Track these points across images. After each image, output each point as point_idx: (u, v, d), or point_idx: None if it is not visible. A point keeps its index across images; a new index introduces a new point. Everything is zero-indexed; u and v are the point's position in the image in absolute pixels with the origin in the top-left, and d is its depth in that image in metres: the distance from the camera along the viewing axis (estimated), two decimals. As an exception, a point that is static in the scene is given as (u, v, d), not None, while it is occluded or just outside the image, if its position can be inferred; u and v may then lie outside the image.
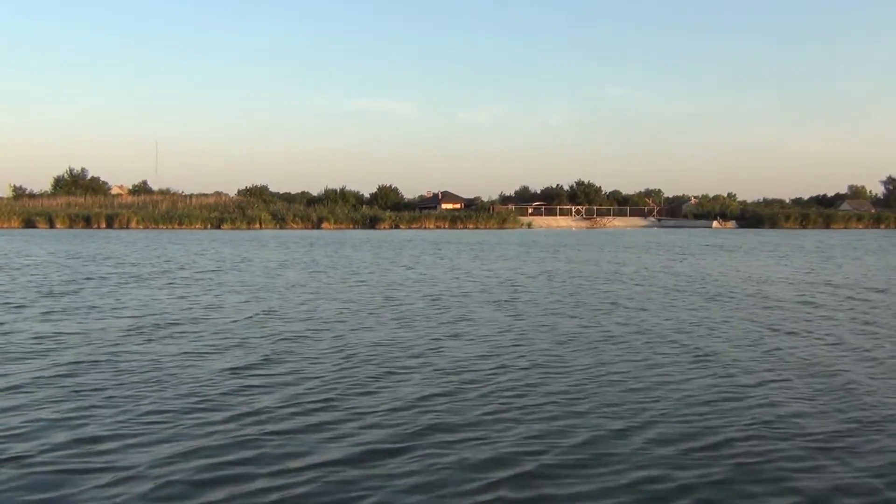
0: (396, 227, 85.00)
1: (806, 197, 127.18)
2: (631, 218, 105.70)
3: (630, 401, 7.36)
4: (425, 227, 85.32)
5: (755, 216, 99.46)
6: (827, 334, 11.57)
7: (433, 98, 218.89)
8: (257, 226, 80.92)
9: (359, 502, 4.72)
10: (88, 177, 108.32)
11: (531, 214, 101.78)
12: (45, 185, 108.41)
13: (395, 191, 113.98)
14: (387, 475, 5.18)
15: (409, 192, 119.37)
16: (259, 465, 5.41)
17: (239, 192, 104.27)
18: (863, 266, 27.50)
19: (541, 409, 6.99)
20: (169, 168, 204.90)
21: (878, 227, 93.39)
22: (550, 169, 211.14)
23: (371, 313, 13.85)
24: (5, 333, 11.16)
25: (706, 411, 7.05)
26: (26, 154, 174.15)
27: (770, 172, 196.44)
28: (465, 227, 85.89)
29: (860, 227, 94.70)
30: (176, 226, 78.94)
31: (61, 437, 6.04)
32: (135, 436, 6.07)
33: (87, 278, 20.58)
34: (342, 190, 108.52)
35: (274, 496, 4.82)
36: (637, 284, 20.15)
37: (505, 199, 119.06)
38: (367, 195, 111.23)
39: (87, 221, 78.75)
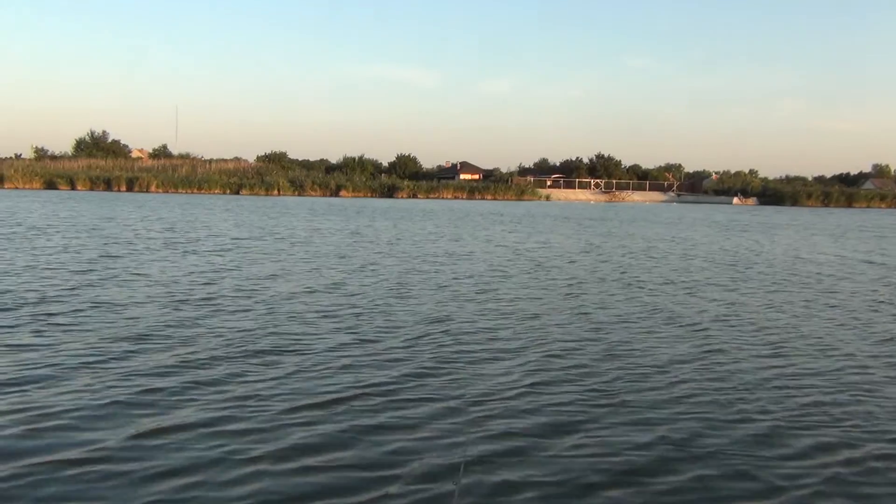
0: (414, 196, 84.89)
1: (829, 175, 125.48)
2: (650, 193, 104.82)
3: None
4: (443, 198, 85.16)
5: (776, 193, 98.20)
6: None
7: (454, 68, 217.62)
8: (276, 192, 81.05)
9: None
10: (109, 140, 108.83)
11: (550, 187, 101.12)
12: (67, 147, 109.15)
13: (413, 160, 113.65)
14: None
15: (428, 162, 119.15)
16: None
17: (258, 158, 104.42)
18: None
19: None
20: (189, 133, 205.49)
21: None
22: (570, 141, 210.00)
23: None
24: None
25: None
26: (48, 116, 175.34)
27: (793, 149, 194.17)
28: (483, 198, 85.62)
29: (883, 206, 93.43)
30: (195, 190, 79.25)
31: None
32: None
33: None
34: (361, 158, 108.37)
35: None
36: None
37: (524, 171, 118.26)
38: (385, 164, 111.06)
39: (108, 184, 79.17)
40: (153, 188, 78.57)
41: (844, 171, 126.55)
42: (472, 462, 5.02)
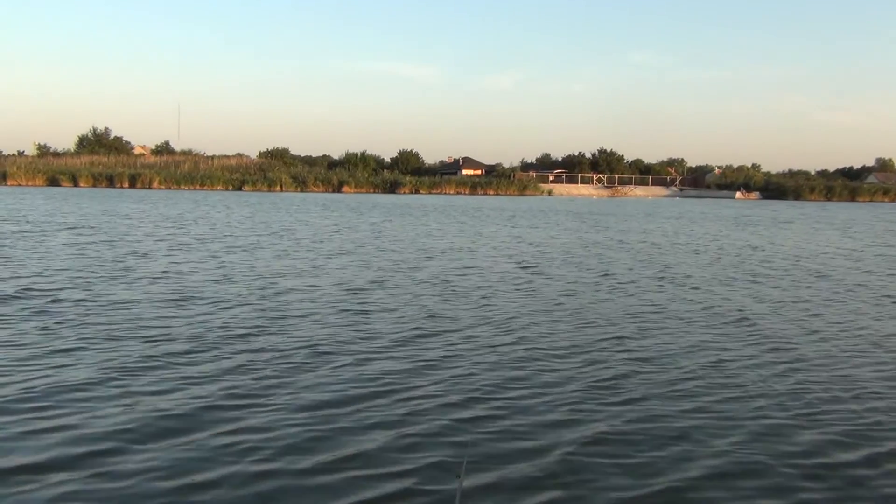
0: (417, 192, 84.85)
1: (832, 169, 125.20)
2: (653, 187, 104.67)
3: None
4: (445, 193, 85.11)
5: (779, 188, 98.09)
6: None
7: (456, 63, 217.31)
8: (278, 188, 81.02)
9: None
10: (112, 136, 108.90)
11: (552, 182, 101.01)
12: (69, 143, 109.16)
13: (415, 156, 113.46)
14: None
15: (430, 158, 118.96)
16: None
17: (260, 154, 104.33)
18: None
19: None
20: (191, 129, 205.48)
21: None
22: (572, 136, 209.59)
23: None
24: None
25: None
26: (51, 113, 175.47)
27: (796, 143, 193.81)
28: (486, 194, 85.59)
29: (886, 200, 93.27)
30: (198, 186, 79.27)
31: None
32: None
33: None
34: (363, 154, 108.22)
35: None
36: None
37: (526, 166, 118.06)
38: (387, 160, 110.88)
39: (111, 181, 79.23)
40: (155, 185, 78.61)
41: (847, 165, 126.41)
42: (473, 459, 5.03)
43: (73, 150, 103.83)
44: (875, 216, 50.57)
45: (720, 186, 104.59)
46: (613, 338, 9.07)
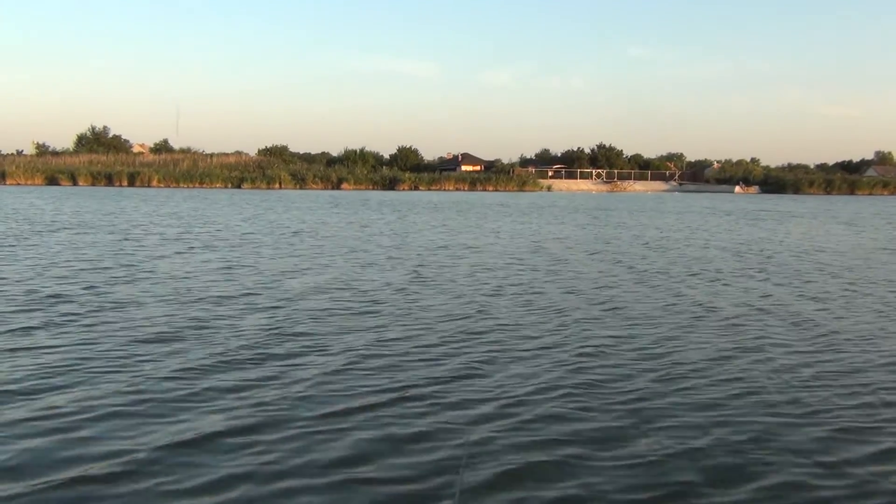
0: (416, 188, 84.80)
1: (831, 163, 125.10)
2: (652, 182, 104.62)
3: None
4: (445, 189, 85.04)
5: (778, 182, 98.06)
6: None
7: (454, 59, 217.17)
8: (277, 185, 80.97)
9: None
10: (110, 135, 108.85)
11: (551, 177, 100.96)
12: (68, 142, 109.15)
13: (414, 152, 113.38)
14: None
15: (429, 154, 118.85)
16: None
17: (259, 151, 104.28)
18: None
19: None
20: (190, 127, 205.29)
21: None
22: (571, 131, 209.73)
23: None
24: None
25: None
26: (49, 112, 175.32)
27: (795, 137, 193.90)
28: (485, 190, 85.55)
29: (885, 193, 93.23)
30: (197, 184, 79.22)
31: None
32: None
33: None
34: (362, 151, 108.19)
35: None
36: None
37: (525, 162, 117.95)
38: (386, 156, 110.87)
39: (109, 179, 79.19)
40: (154, 183, 78.56)
41: (847, 159, 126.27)
42: (473, 457, 5.05)
43: (71, 149, 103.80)
44: (882, 209, 50.48)
45: (719, 181, 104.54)
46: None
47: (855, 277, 14.61)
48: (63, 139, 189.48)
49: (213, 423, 5.60)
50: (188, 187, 76.45)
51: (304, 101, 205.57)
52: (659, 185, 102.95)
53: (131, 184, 78.21)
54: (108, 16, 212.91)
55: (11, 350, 7.62)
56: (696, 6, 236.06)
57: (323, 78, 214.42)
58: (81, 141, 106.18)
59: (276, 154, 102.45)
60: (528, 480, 4.74)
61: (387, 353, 7.87)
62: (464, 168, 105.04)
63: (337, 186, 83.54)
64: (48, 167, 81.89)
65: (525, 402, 6.27)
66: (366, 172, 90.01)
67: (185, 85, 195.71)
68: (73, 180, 78.17)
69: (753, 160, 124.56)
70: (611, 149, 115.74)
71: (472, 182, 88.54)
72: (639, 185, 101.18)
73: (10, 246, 17.85)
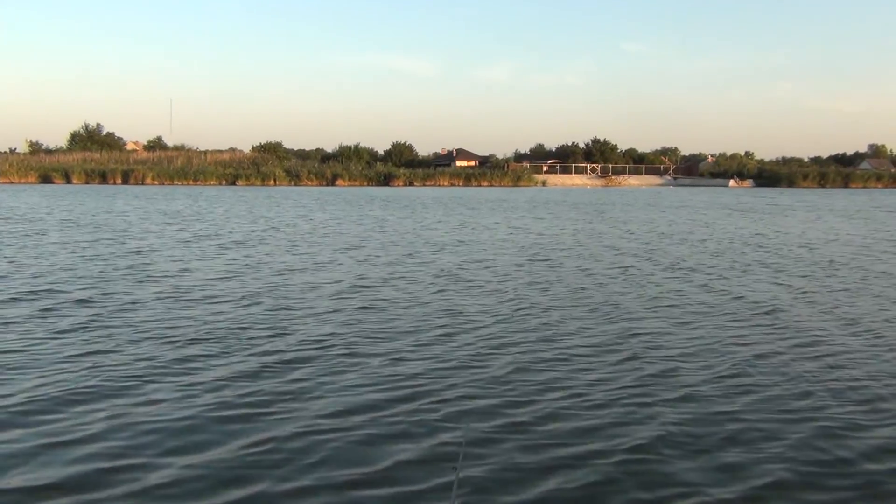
0: (410, 184, 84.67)
1: (825, 156, 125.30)
2: (646, 176, 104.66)
3: None
4: (439, 185, 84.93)
5: (773, 175, 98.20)
6: None
7: (449, 54, 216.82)
8: (272, 182, 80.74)
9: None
10: (104, 132, 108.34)
11: (546, 172, 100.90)
12: (61, 140, 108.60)
13: (409, 148, 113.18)
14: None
15: (424, 150, 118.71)
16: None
17: (253, 148, 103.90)
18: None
19: None
20: (183, 124, 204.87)
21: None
22: (566, 126, 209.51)
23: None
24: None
25: None
26: (43, 110, 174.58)
27: (789, 130, 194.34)
28: (480, 185, 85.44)
29: (879, 186, 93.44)
30: (191, 182, 78.95)
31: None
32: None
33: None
34: (356, 147, 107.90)
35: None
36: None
37: (520, 157, 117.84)
38: (381, 152, 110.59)
39: (103, 177, 78.82)
40: (149, 180, 78.25)
41: (841, 152, 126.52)
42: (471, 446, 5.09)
43: (65, 147, 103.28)
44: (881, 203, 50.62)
45: (714, 175, 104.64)
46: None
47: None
48: (56, 137, 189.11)
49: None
50: (182, 184, 76.19)
51: (299, 98, 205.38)
52: (653, 180, 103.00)
53: (125, 181, 77.87)
54: (101, 13, 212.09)
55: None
56: (689, 1, 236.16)
57: (317, 74, 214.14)
58: (75, 139, 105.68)
59: (271, 151, 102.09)
60: (525, 474, 4.78)
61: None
62: (458, 164, 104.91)
63: (331, 183, 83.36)
64: (42, 165, 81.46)
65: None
66: (360, 168, 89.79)
67: (178, 82, 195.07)
68: (67, 178, 77.78)
69: (748, 154, 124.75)
70: (605, 143, 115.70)
71: (467, 177, 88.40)
72: (633, 180, 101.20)
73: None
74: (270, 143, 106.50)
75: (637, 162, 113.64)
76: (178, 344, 7.90)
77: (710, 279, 13.27)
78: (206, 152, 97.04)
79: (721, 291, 11.85)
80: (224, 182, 79.68)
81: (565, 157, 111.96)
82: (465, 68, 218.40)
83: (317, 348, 7.81)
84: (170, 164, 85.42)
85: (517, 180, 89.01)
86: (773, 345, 8.21)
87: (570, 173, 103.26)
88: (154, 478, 4.59)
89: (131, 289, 11.38)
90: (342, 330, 8.69)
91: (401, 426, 5.55)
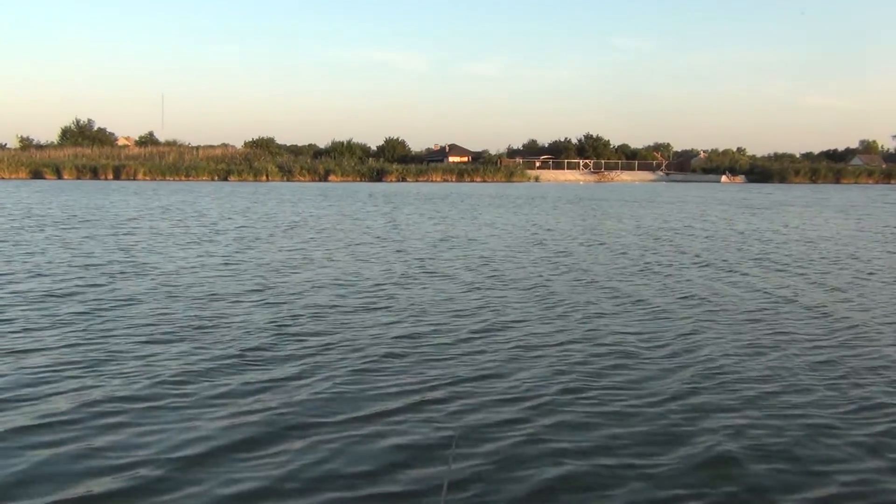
0: (403, 179, 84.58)
1: (816, 152, 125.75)
2: (639, 172, 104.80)
3: None
4: (432, 181, 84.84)
5: (764, 171, 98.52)
6: None
7: (441, 50, 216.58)
8: (264, 178, 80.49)
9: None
10: (95, 128, 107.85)
11: (539, 168, 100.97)
12: (52, 136, 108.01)
13: (402, 143, 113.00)
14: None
15: (417, 145, 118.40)
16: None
17: (245, 143, 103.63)
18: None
19: None
20: (175, 119, 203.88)
21: (889, 183, 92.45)
22: (559, 122, 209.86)
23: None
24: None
25: None
26: (33, 105, 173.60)
27: (781, 127, 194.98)
28: (473, 181, 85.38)
29: (870, 182, 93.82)
30: (183, 177, 78.62)
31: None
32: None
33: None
34: (349, 142, 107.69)
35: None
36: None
37: (512, 153, 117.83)
38: (374, 148, 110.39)
39: (95, 173, 78.45)
40: (140, 176, 77.90)
41: (832, 148, 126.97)
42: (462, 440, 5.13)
43: (56, 143, 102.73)
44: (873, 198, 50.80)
45: (706, 170, 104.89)
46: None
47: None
48: (47, 132, 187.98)
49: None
50: (174, 180, 75.88)
51: (291, 94, 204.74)
52: (646, 176, 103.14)
53: (116, 177, 77.50)
54: (92, 8, 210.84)
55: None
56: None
57: (309, 69, 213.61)
58: (66, 134, 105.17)
59: (263, 146, 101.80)
60: (516, 473, 4.79)
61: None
62: (451, 159, 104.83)
63: (324, 178, 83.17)
64: (32, 161, 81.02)
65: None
66: (353, 164, 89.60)
67: (170, 77, 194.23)
68: (58, 174, 77.38)
69: (740, 150, 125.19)
70: (598, 139, 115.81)
71: (460, 173, 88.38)
72: (626, 176, 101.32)
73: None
74: (263, 138, 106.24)
75: (629, 158, 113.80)
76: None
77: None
78: (197, 148, 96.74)
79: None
80: (216, 178, 79.38)
81: (558, 153, 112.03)
82: (456, 63, 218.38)
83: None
84: (161, 160, 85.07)
85: (510, 176, 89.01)
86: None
87: (563, 169, 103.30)
88: (154, 479, 4.59)
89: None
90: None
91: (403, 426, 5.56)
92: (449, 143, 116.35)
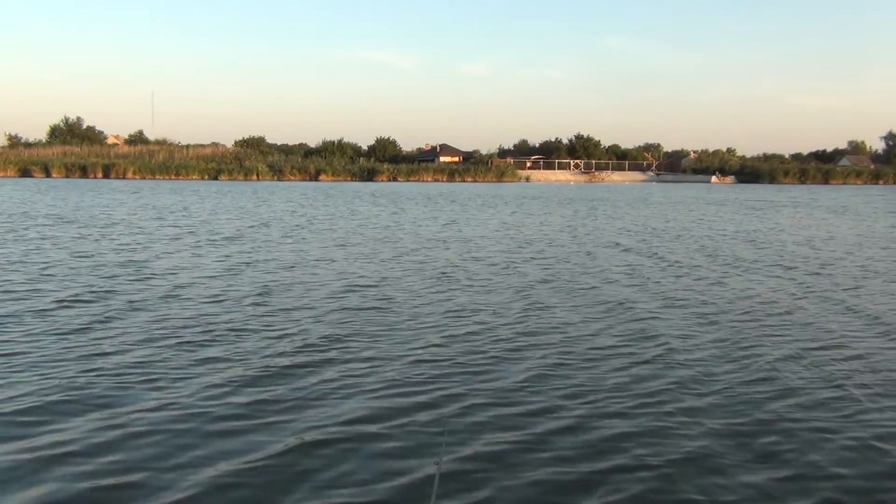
0: (394, 179, 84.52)
1: (805, 153, 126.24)
2: (629, 172, 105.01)
3: None
4: (423, 180, 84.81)
5: (754, 171, 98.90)
6: None
7: (432, 49, 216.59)
8: (254, 177, 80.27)
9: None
10: (84, 126, 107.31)
11: (529, 168, 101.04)
12: (41, 134, 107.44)
13: (393, 143, 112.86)
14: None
15: (408, 145, 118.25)
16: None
17: (236, 143, 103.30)
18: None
19: None
20: (165, 118, 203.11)
21: (877, 184, 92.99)
22: (549, 122, 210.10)
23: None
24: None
25: None
26: (21, 103, 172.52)
27: (770, 127, 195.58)
28: (464, 181, 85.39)
29: (859, 182, 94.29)
30: (173, 176, 78.33)
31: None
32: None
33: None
34: (340, 142, 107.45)
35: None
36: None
37: (503, 153, 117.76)
38: (365, 147, 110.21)
39: (84, 171, 78.11)
40: (130, 174, 77.62)
41: (821, 149, 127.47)
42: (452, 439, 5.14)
43: (44, 141, 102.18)
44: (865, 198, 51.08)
45: (696, 171, 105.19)
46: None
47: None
48: (36, 130, 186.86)
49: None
50: (164, 179, 75.56)
51: (282, 93, 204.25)
52: (636, 176, 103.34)
53: (106, 175, 77.18)
54: (81, 5, 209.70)
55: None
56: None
57: (300, 69, 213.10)
58: (55, 132, 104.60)
59: (253, 145, 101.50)
60: (506, 467, 4.81)
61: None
62: (442, 159, 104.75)
63: (315, 178, 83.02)
64: (21, 159, 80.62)
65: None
66: (344, 164, 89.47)
67: (160, 75, 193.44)
68: (47, 172, 77.02)
69: (729, 150, 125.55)
70: (589, 139, 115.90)
71: (451, 173, 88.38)
72: (617, 176, 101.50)
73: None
74: (253, 137, 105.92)
75: (620, 158, 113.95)
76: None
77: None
78: (188, 147, 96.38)
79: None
80: (206, 177, 79.13)
81: (549, 153, 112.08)
82: (448, 63, 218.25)
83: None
84: (151, 159, 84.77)
85: (501, 176, 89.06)
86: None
87: (554, 169, 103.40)
88: (156, 485, 4.57)
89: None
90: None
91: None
92: (440, 142, 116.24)
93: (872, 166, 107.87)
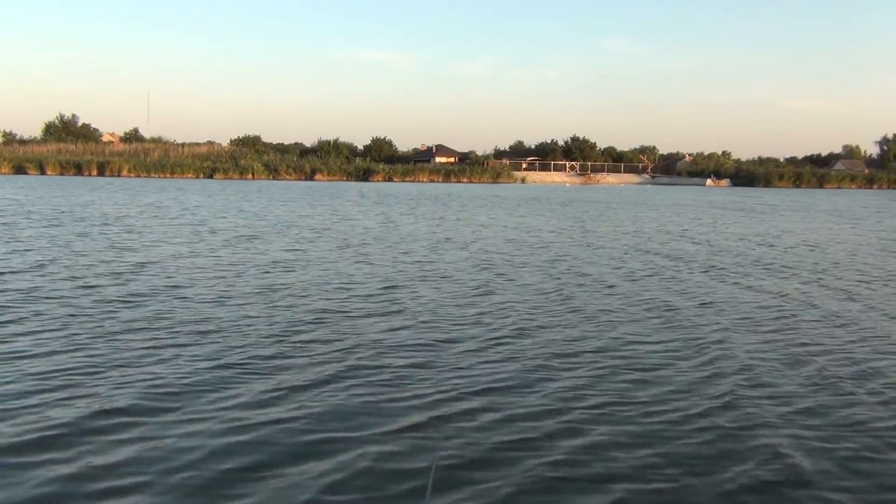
0: (390, 179, 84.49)
1: (800, 156, 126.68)
2: (625, 175, 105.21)
3: None
4: (419, 181, 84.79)
5: (749, 175, 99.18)
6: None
7: (429, 50, 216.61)
8: (250, 176, 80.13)
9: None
10: (79, 123, 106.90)
11: (525, 169, 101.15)
12: (36, 131, 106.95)
13: (388, 143, 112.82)
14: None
15: (403, 145, 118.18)
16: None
17: (231, 141, 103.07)
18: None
19: None
20: (161, 116, 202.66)
21: (871, 188, 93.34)
22: (545, 123, 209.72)
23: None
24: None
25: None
26: (16, 99, 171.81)
27: (766, 130, 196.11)
28: (459, 181, 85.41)
29: (853, 187, 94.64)
30: (168, 175, 78.11)
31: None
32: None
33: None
34: (336, 141, 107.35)
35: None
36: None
37: (499, 154, 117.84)
38: (360, 147, 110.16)
39: (79, 168, 77.84)
40: (125, 172, 77.39)
41: (815, 153, 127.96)
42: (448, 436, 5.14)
43: (39, 138, 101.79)
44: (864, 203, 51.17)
45: (691, 174, 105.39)
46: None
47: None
48: (30, 127, 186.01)
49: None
50: (159, 177, 75.33)
51: (279, 92, 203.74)
52: (632, 178, 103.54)
53: (101, 173, 76.92)
54: (76, 2, 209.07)
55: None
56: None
57: (296, 68, 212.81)
58: (49, 129, 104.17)
59: (249, 144, 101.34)
60: (500, 466, 4.78)
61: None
62: (438, 160, 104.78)
63: (310, 177, 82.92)
64: (15, 156, 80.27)
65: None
66: (339, 163, 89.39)
67: (156, 73, 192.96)
68: (42, 169, 76.72)
69: (725, 153, 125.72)
70: (584, 141, 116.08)
71: (447, 174, 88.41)
72: (612, 178, 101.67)
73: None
74: (249, 136, 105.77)
75: (616, 160, 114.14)
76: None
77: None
78: (183, 145, 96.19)
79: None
80: (202, 175, 78.93)
81: (545, 155, 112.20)
82: (444, 63, 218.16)
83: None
84: (146, 157, 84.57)
85: (496, 177, 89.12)
86: None
87: (550, 171, 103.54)
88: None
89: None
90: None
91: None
92: (436, 143, 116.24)
93: (867, 171, 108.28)
